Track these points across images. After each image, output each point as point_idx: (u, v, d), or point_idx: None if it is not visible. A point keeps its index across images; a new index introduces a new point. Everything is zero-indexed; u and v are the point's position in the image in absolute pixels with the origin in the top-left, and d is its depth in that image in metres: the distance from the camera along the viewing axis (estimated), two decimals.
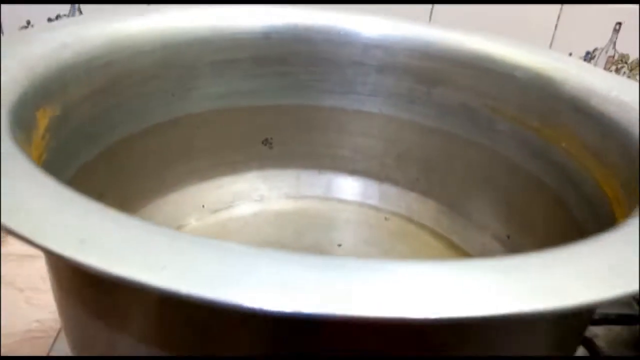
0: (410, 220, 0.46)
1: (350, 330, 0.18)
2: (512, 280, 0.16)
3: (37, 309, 0.54)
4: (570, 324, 0.24)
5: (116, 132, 0.36)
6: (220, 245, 0.16)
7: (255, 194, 0.46)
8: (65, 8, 0.56)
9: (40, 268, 0.59)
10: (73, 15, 0.57)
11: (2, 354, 0.49)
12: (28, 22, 0.57)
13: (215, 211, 0.45)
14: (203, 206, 0.44)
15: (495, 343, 0.20)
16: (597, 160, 0.33)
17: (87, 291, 0.22)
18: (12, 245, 0.63)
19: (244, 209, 0.46)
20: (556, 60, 0.38)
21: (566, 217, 0.36)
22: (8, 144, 0.20)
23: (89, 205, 0.17)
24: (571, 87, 0.36)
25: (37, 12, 0.56)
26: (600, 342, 0.41)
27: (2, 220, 0.15)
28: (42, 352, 0.49)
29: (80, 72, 0.33)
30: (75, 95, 0.33)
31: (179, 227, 0.43)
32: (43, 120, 0.30)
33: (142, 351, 0.20)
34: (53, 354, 0.48)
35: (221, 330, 0.19)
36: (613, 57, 0.64)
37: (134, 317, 0.20)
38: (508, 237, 0.41)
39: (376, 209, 0.47)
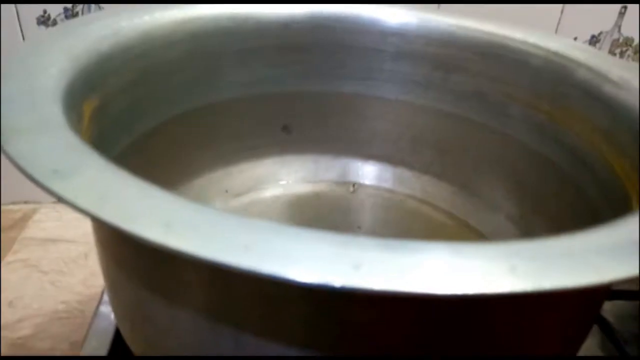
0: (425, 202, 0.48)
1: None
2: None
3: (63, 290, 0.56)
4: (588, 302, 0.26)
5: (147, 121, 0.38)
6: (287, 230, 0.17)
7: (274, 178, 0.48)
8: None
9: (63, 251, 0.61)
10: (87, 4, 0.58)
11: (33, 334, 0.51)
12: (44, 12, 0.58)
13: (238, 195, 0.47)
14: (226, 191, 0.46)
15: (521, 319, 0.22)
16: (607, 142, 0.35)
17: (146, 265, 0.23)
18: (32, 230, 0.65)
19: (265, 193, 0.47)
20: (568, 46, 0.40)
21: (578, 196, 0.38)
22: (78, 141, 0.21)
23: (166, 195, 0.19)
24: (583, 73, 0.37)
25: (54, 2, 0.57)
26: (608, 316, 0.43)
27: (95, 212, 0.17)
28: (72, 331, 0.52)
29: (117, 63, 0.34)
30: (114, 85, 0.34)
31: None
32: (88, 110, 0.31)
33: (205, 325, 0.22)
34: (81, 332, 0.50)
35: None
36: (618, 40, 0.65)
37: (199, 291, 0.22)
38: (521, 217, 0.43)
39: (392, 191, 0.49)
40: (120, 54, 0.34)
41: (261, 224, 0.17)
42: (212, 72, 0.41)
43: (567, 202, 0.39)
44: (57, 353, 0.48)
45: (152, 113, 0.38)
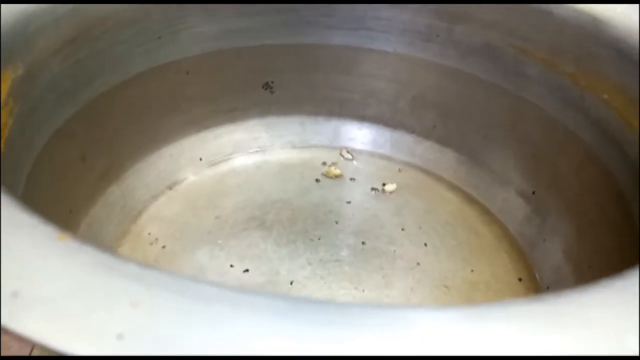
0: (425, 171, 0.42)
1: None
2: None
3: None
4: None
5: (94, 86, 0.32)
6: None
7: (256, 143, 0.43)
8: None
9: None
10: None
11: None
12: None
13: (214, 164, 0.41)
14: (200, 159, 0.41)
15: None
16: None
17: None
18: None
19: (245, 161, 0.42)
20: None
21: (602, 176, 0.32)
22: None
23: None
24: (616, 28, 0.31)
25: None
26: None
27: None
28: None
29: (47, 20, 0.29)
30: (43, 48, 0.29)
31: (175, 183, 0.39)
32: (4, 84, 0.26)
33: None
34: None
35: None
36: None
37: None
38: (533, 193, 0.37)
39: (388, 159, 0.43)
40: (49, 8, 0.28)
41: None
42: (171, 23, 0.35)
43: (588, 181, 0.33)
44: None
45: (99, 77, 0.33)
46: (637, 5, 0.32)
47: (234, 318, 0.11)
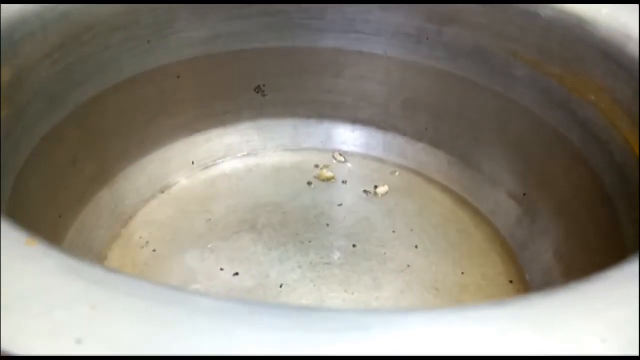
0: (417, 173, 0.42)
1: None
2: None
3: None
4: None
5: (84, 90, 0.33)
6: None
7: (248, 147, 0.43)
8: None
9: None
10: None
11: None
12: None
13: (206, 167, 0.41)
14: (192, 163, 0.41)
15: None
16: (629, 119, 0.29)
17: None
18: None
19: (237, 165, 0.42)
20: None
21: (589, 178, 0.32)
22: None
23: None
24: (602, 30, 0.31)
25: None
26: None
27: None
28: None
29: (35, 26, 0.29)
30: (31, 53, 0.29)
31: (166, 187, 0.40)
32: None
33: None
34: None
35: None
36: None
37: None
38: (524, 194, 0.37)
39: (380, 161, 0.43)
40: (36, 14, 0.29)
41: None
42: (161, 28, 0.35)
43: (576, 183, 0.33)
44: None
45: (89, 81, 0.33)
46: (637, 5, 0.32)
47: (192, 321, 0.11)
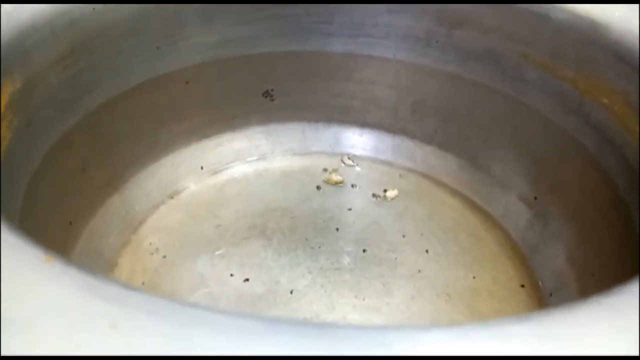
0: (426, 176, 0.42)
1: None
2: None
3: None
4: None
5: (93, 97, 0.33)
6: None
7: (257, 151, 0.43)
8: None
9: None
10: None
11: None
12: None
13: (215, 172, 0.41)
14: (202, 168, 0.41)
15: None
16: None
17: None
18: None
19: (246, 169, 0.42)
20: None
21: (603, 183, 0.32)
22: None
23: None
24: (616, 32, 0.30)
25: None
26: None
27: None
28: None
29: (45, 33, 0.29)
30: (41, 60, 0.29)
31: (175, 192, 0.40)
32: (3, 97, 0.26)
33: None
34: None
35: None
36: None
37: None
38: (535, 198, 0.37)
39: (389, 164, 0.43)
40: (46, 20, 0.29)
41: None
42: (170, 33, 0.35)
43: (589, 186, 0.33)
44: None
45: (98, 88, 0.33)
46: (637, 5, 0.31)
47: (214, 340, 0.11)
